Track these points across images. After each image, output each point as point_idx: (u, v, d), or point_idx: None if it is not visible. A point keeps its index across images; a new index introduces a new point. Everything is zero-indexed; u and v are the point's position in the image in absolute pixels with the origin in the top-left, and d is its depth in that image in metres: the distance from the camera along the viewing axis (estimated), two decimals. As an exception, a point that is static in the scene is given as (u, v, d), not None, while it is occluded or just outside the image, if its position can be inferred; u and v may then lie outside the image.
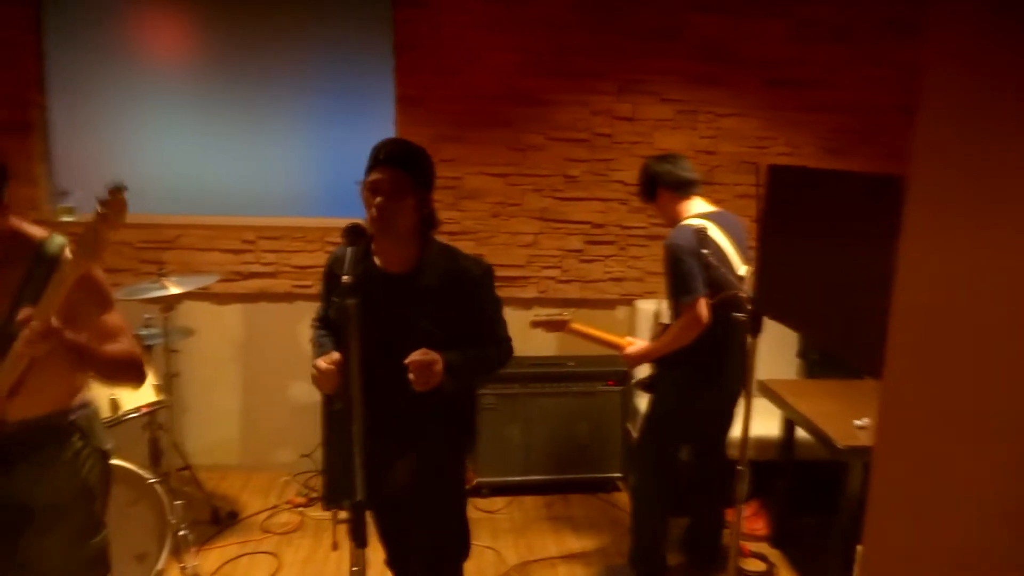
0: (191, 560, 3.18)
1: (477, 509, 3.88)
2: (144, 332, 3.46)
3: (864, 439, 2.83)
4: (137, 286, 3.42)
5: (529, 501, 4.02)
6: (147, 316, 3.53)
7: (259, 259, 4.15)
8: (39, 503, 1.90)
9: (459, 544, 2.38)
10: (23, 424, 1.87)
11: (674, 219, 3.00)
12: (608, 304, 4.39)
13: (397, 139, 2.20)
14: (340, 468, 3.61)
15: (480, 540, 3.57)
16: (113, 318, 1.96)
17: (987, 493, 0.77)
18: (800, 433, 3.37)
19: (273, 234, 4.14)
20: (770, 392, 3.42)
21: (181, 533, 3.16)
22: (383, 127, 4.09)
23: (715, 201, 3.11)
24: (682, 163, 3.04)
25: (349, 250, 1.88)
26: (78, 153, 3.97)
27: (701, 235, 2.78)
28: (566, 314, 3.20)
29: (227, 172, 4.14)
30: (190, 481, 3.81)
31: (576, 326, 3.19)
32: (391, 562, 2.53)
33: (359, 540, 1.80)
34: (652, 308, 4.17)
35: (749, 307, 2.37)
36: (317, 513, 3.82)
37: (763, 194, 2.12)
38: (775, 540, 3.60)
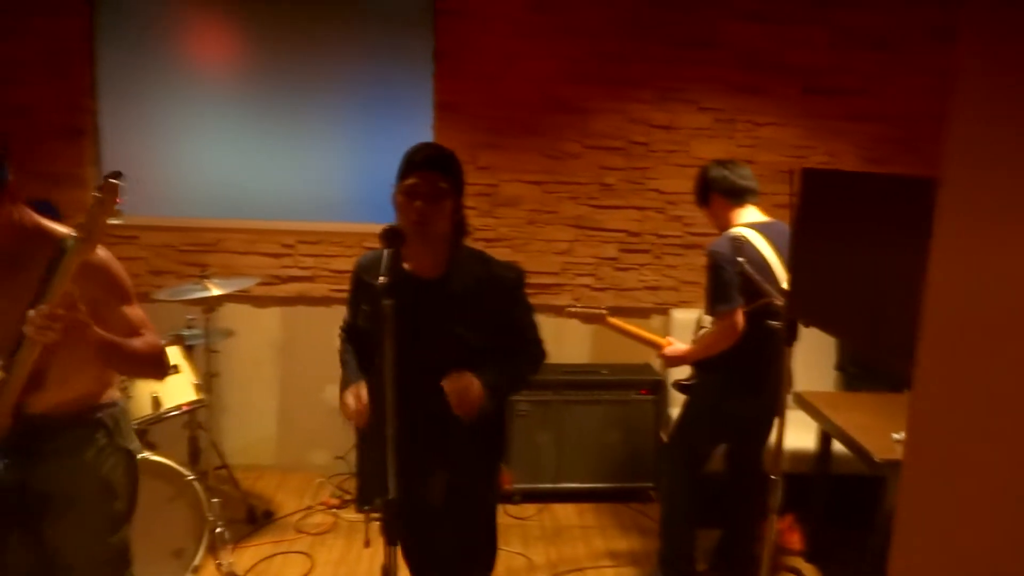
0: (227, 557, 3.24)
1: (508, 515, 3.89)
2: (186, 332, 3.54)
3: (902, 453, 2.78)
4: (180, 287, 3.51)
5: (560, 509, 4.02)
6: (189, 317, 3.61)
7: (298, 263, 4.22)
8: (58, 494, 1.93)
9: (486, 557, 2.36)
10: (48, 417, 1.91)
11: (724, 226, 2.98)
12: (643, 313, 4.38)
13: (431, 143, 2.18)
14: (373, 471, 3.65)
15: (511, 546, 3.58)
16: (134, 311, 1.99)
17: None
18: (837, 446, 3.32)
19: (312, 238, 4.21)
20: (806, 404, 3.38)
21: (218, 530, 3.22)
22: (421, 133, 4.14)
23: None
24: (739, 170, 3.01)
25: (385, 252, 1.87)
26: (126, 157, 4.08)
27: (737, 243, 2.77)
28: (602, 308, 3.19)
29: (268, 177, 4.23)
30: (227, 480, 3.88)
31: (614, 320, 3.17)
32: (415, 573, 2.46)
33: (391, 538, 1.81)
34: (687, 317, 4.15)
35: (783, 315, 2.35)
36: (350, 515, 3.86)
37: (796, 197, 2.11)
38: (810, 555, 3.55)
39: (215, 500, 3.21)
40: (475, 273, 2.14)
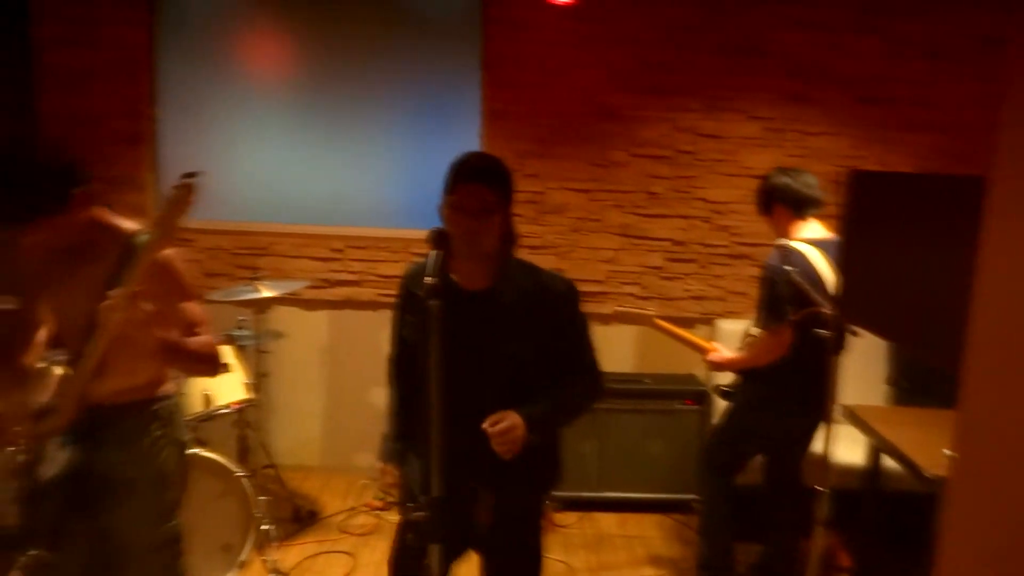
0: (273, 554, 3.30)
1: (549, 522, 3.89)
2: (237, 333, 3.62)
3: (954, 469, 2.71)
4: (232, 289, 3.60)
5: (602, 517, 4.00)
6: (240, 318, 3.70)
7: (346, 267, 4.30)
8: (118, 479, 2.02)
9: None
10: (108, 405, 2.00)
11: (784, 238, 2.93)
12: (688, 323, 4.34)
13: (479, 153, 2.09)
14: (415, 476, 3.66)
15: (552, 553, 3.57)
16: (194, 308, 2.05)
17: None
18: (886, 462, 3.25)
19: (360, 244, 4.29)
20: (856, 418, 3.31)
21: (264, 528, 3.28)
22: (469, 141, 4.19)
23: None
24: (804, 178, 2.93)
25: (433, 254, 1.83)
26: (184, 162, 4.21)
27: (785, 251, 2.75)
28: (649, 309, 3.18)
29: (318, 183, 4.32)
30: (274, 479, 3.96)
31: (661, 322, 3.16)
32: None
33: (433, 536, 1.82)
34: (733, 328, 4.09)
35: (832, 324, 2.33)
36: (393, 517, 3.89)
37: (845, 200, 2.09)
38: (857, 572, 3.47)
39: (262, 498, 3.28)
40: (525, 285, 2.04)
